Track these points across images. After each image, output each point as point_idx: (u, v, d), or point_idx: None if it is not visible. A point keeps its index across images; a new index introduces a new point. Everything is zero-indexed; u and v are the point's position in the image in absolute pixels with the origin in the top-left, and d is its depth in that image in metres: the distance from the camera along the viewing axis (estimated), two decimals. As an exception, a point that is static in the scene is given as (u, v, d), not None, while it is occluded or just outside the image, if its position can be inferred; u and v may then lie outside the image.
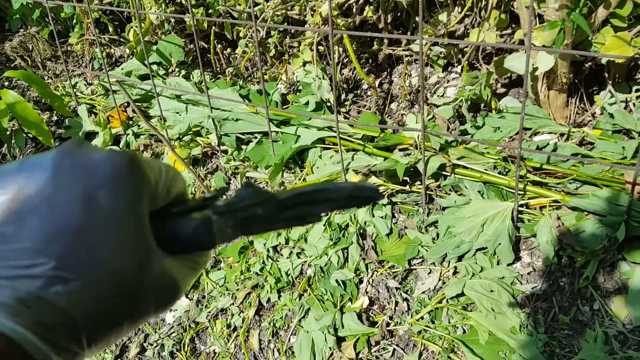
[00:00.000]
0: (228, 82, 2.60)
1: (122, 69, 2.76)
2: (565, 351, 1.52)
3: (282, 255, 2.00)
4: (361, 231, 1.89)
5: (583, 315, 1.57)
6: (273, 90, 2.39)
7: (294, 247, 2.00)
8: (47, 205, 0.33)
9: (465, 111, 1.96)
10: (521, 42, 1.89)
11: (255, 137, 2.29)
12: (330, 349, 1.70)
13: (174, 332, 1.94)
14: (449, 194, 1.81)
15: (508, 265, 1.66)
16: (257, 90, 2.49)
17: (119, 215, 0.34)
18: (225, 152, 2.34)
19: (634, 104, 1.90)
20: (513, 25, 2.07)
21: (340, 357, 1.67)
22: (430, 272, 1.75)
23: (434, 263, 1.76)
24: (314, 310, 1.80)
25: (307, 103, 2.26)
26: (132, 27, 2.73)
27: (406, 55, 2.25)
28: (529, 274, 1.66)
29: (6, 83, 3.11)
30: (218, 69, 2.79)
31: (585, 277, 1.58)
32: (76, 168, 0.34)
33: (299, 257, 1.96)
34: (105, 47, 2.96)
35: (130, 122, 2.68)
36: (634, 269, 1.55)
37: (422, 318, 1.67)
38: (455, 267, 1.71)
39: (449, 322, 1.63)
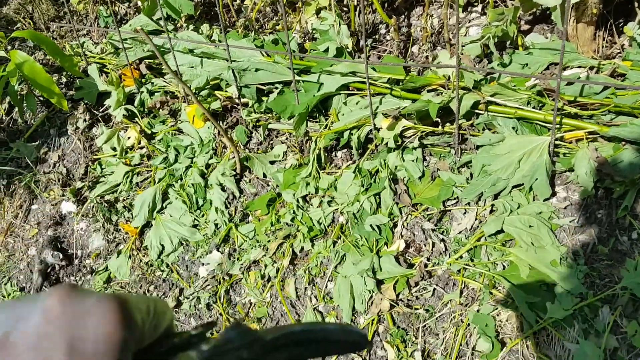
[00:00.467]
0: (240, 34, 2.56)
1: (130, 25, 2.71)
2: (605, 281, 1.54)
3: (312, 204, 2.01)
4: (392, 176, 1.89)
5: (622, 245, 1.58)
6: (290, 39, 2.35)
7: (323, 197, 2.00)
8: (30, 355, 0.34)
9: (493, 47, 1.93)
10: (550, -27, 1.85)
11: (276, 88, 2.27)
12: (369, 291, 1.72)
13: (208, 285, 1.96)
14: (482, 133, 1.80)
15: (545, 200, 1.67)
16: (271, 41, 2.45)
17: None
18: (246, 104, 2.32)
19: (665, 33, 1.88)
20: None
21: (381, 299, 1.70)
22: (465, 212, 1.76)
23: (469, 203, 1.76)
24: (350, 255, 1.82)
25: (326, 50, 2.23)
26: (138, -19, 2.66)
27: (427, -4, 2.20)
28: (565, 208, 1.67)
29: (14, 45, 3.05)
30: (227, 22, 2.73)
31: (623, 207, 1.59)
32: (64, 318, 0.35)
33: (329, 206, 1.96)
34: (111, 4, 2.89)
35: (143, 80, 2.64)
36: (674, 197, 1.56)
37: (460, 257, 1.69)
38: (492, 205, 1.72)
39: (488, 259, 1.65)
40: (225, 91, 2.38)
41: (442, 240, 1.75)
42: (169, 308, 0.45)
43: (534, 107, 1.72)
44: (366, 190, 1.90)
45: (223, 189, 2.17)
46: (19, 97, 2.65)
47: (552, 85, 1.72)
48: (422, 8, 2.27)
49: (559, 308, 1.48)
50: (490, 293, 1.59)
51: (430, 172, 1.85)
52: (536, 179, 1.66)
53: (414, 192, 1.85)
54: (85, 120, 2.65)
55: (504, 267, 1.63)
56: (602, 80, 1.78)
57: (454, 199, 1.79)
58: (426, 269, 1.70)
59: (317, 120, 2.15)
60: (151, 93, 2.59)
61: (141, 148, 2.48)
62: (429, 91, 1.92)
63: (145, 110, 2.56)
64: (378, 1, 2.15)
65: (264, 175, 2.18)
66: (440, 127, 1.86)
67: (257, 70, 2.26)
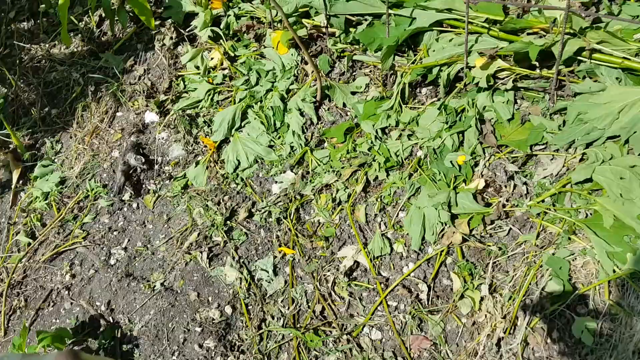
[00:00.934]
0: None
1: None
2: (692, 243, 1.50)
3: (390, 137, 2.02)
4: (479, 116, 1.87)
5: None
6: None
7: (403, 130, 2.01)
8: None
9: (606, -6, 1.86)
10: None
11: (366, 20, 2.26)
12: (442, 224, 1.73)
13: (280, 202, 2.02)
14: (583, 80, 1.75)
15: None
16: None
17: None
18: (333, 34, 2.32)
19: None
20: None
21: (453, 232, 1.71)
22: (553, 158, 1.73)
23: (558, 149, 1.73)
24: (426, 188, 1.83)
25: (423, -15, 2.20)
26: None
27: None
28: (660, 166, 1.62)
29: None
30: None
31: None
32: None
33: (409, 139, 1.97)
34: None
35: (231, 4, 2.68)
36: None
37: (542, 201, 1.67)
38: (583, 154, 1.69)
39: (572, 206, 1.63)
40: (313, 19, 2.39)
41: (525, 183, 1.73)
42: None
43: (642, 58, 1.66)
44: (450, 127, 1.89)
45: (302, 114, 2.21)
46: (111, 10, 2.74)
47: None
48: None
49: (640, 261, 1.45)
50: (569, 239, 1.57)
51: (521, 115, 1.83)
52: (634, 132, 1.61)
53: (501, 134, 1.83)
54: (171, 38, 2.72)
55: (587, 215, 1.61)
56: None
57: (543, 144, 1.76)
58: (504, 209, 1.70)
59: (405, 55, 2.14)
60: (237, 17, 2.62)
61: (223, 69, 2.54)
62: (529, 34, 1.88)
63: (230, 33, 2.60)
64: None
65: (344, 105, 2.20)
66: (537, 70, 1.82)
67: (348, 0, 2.26)
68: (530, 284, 1.56)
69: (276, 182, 2.08)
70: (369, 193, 1.95)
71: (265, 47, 2.47)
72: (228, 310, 1.82)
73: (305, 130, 2.18)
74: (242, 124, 2.29)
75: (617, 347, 1.41)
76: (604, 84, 1.69)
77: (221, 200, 2.07)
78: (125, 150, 2.31)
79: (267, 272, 1.87)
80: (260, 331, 1.76)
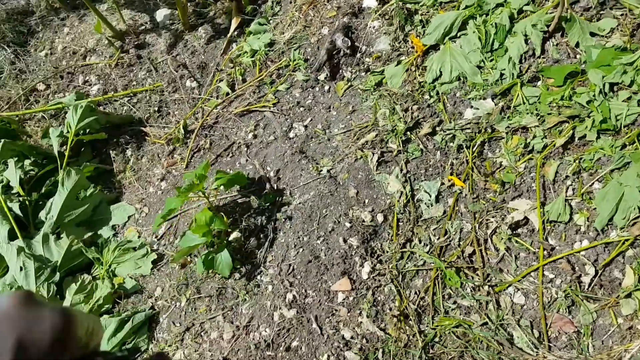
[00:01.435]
0: None
1: None
2: None
3: (617, 96, 1.76)
4: None
5: None
6: None
7: (636, 93, 1.73)
8: None
9: None
10: None
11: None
12: (639, 210, 1.53)
13: (468, 129, 1.93)
14: None
15: None
16: None
17: None
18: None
19: None
20: None
21: (650, 226, 1.50)
22: None
23: None
24: (637, 166, 1.60)
25: None
26: None
27: None
28: None
29: None
30: None
31: None
32: (17, 320, 0.44)
33: (638, 106, 1.70)
34: None
35: None
36: None
37: None
38: None
39: None
40: None
41: None
42: (102, 329, 0.55)
43: None
44: (698, 106, 1.59)
45: (526, 41, 2.01)
46: None
47: None
48: None
49: None
50: None
51: None
52: None
53: None
54: None
55: None
56: None
57: None
58: None
59: (677, 4, 1.79)
60: None
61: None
62: None
63: None
64: None
65: (577, 45, 1.95)
66: None
67: None
68: None
69: (472, 106, 1.98)
70: (568, 151, 1.77)
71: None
72: (379, 218, 1.85)
73: (523, 61, 2.00)
74: (458, 34, 2.16)
75: None
76: None
77: (409, 108, 2.04)
78: (336, 29, 2.34)
79: (430, 195, 1.84)
80: (403, 250, 1.78)
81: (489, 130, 1.90)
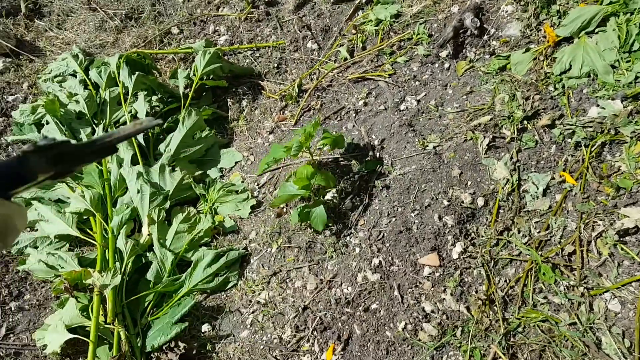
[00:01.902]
0: None
1: None
2: None
3: None
4: None
5: None
6: None
7: None
8: None
9: None
10: None
11: None
12: None
13: (590, 127, 1.85)
14: None
15: None
16: None
17: None
18: None
19: None
20: None
21: None
22: None
23: None
24: None
25: None
26: None
27: None
28: None
29: None
30: None
31: None
32: None
33: None
34: None
35: None
36: None
37: None
38: None
39: None
40: None
41: None
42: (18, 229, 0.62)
43: None
44: None
45: (671, 46, 1.89)
46: None
47: None
48: None
49: None
50: None
51: None
52: None
53: None
54: None
55: None
56: None
57: None
58: None
59: None
60: None
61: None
62: None
63: None
64: None
65: None
66: None
67: None
68: None
69: (598, 105, 1.89)
70: (699, 165, 1.65)
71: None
72: (480, 201, 1.84)
73: (664, 65, 1.88)
74: (595, 30, 2.07)
75: None
76: None
77: (531, 97, 1.99)
78: (467, 8, 2.31)
79: (537, 188, 1.80)
80: (500, 237, 1.75)
81: (612, 132, 1.82)
